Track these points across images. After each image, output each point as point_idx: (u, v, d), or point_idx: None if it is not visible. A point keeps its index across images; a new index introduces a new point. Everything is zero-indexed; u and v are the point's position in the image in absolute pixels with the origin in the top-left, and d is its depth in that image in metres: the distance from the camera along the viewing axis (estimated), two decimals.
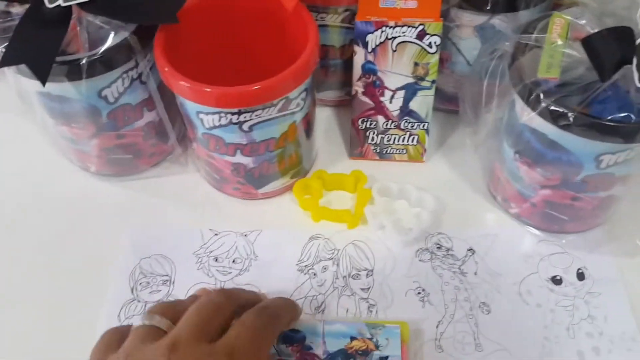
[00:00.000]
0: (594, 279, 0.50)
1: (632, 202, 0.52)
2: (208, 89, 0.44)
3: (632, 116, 0.40)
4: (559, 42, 0.43)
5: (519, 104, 0.44)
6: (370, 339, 0.44)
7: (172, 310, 0.37)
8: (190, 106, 0.48)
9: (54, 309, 0.49)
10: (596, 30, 0.40)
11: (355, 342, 0.44)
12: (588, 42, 0.39)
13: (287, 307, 0.42)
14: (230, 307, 0.38)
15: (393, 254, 0.52)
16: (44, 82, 0.43)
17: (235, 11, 0.52)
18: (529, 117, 0.43)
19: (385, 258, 0.52)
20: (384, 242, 0.53)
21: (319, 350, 0.44)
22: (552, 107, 0.41)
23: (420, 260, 0.52)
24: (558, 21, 0.45)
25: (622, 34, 0.39)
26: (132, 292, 0.49)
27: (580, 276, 0.50)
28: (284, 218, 0.55)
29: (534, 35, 0.45)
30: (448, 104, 0.61)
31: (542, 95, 0.41)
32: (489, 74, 0.48)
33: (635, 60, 0.40)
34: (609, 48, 0.39)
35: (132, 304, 0.49)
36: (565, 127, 0.41)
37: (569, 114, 0.40)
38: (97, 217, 0.56)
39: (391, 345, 0.44)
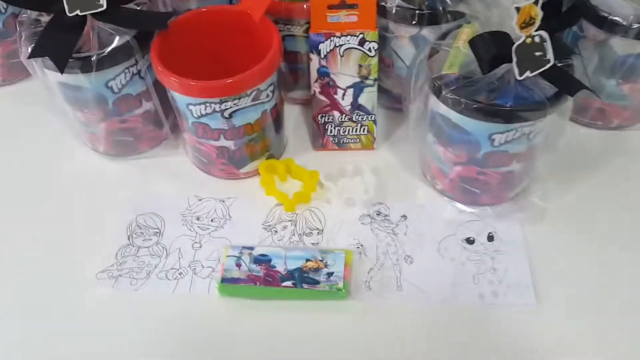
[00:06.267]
0: (502, 240, 0.61)
1: (534, 182, 0.63)
2: (193, 83, 0.57)
3: (509, 102, 0.52)
4: (462, 46, 0.55)
5: (429, 95, 0.56)
6: (321, 261, 0.57)
7: None
8: (180, 99, 0.60)
9: (64, 249, 0.62)
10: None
11: (309, 263, 0.58)
12: (472, 43, 0.51)
13: None
14: None
15: (341, 218, 0.64)
16: (62, 71, 0.56)
17: (216, 22, 0.65)
18: (437, 104, 0.55)
19: (334, 221, 0.64)
20: (335, 210, 0.65)
21: (281, 268, 0.57)
22: (450, 96, 0.53)
23: (362, 224, 0.63)
24: (466, 30, 0.58)
25: (499, 36, 0.51)
26: (129, 239, 0.62)
27: (490, 238, 0.61)
28: (257, 190, 0.67)
29: (445, 41, 0.57)
30: (396, 102, 0.72)
31: (443, 87, 0.54)
32: (414, 73, 0.60)
33: (514, 59, 0.52)
34: (487, 47, 0.50)
35: (127, 248, 0.62)
36: (461, 111, 0.53)
37: (462, 100, 0.52)
38: (104, 187, 0.68)
39: (337, 264, 0.57)
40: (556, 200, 0.64)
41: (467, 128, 0.55)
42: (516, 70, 0.52)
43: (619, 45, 0.62)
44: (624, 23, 0.59)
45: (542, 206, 0.64)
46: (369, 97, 0.67)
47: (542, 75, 0.52)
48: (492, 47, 0.50)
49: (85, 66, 0.59)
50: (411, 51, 0.67)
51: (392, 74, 0.71)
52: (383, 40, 0.67)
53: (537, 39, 0.52)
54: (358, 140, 0.71)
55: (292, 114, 0.76)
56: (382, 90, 0.71)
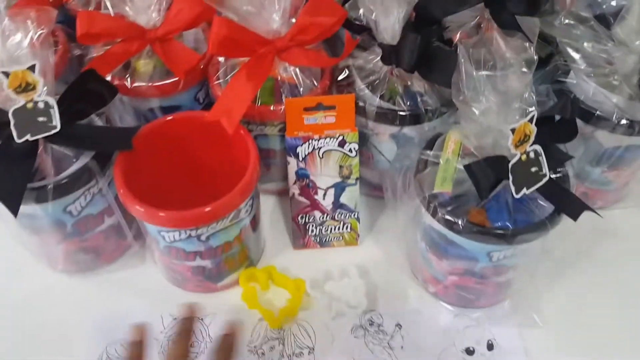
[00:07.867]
0: (501, 349, 0.58)
1: (529, 278, 0.61)
2: (162, 214, 0.51)
3: (509, 225, 0.49)
4: (452, 158, 0.52)
5: (422, 210, 0.53)
6: None
7: None
8: (151, 226, 0.54)
9: None
10: (476, 159, 0.49)
11: None
12: (469, 168, 0.48)
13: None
14: None
15: (331, 332, 0.59)
16: (15, 214, 0.49)
17: (185, 130, 0.60)
18: (431, 221, 0.52)
19: (324, 336, 0.59)
20: (325, 321, 0.60)
21: None
22: (447, 217, 0.50)
23: (355, 337, 0.59)
24: (453, 137, 0.55)
25: (496, 160, 0.48)
26: None
27: (490, 347, 0.58)
28: (238, 303, 0.61)
29: (432, 152, 0.54)
30: (376, 191, 0.69)
31: (438, 207, 0.50)
32: (402, 175, 0.56)
33: (511, 177, 0.49)
34: (485, 174, 0.48)
35: None
36: (458, 232, 0.50)
37: (460, 223, 0.49)
38: (66, 311, 0.61)
39: None
40: (549, 295, 0.62)
41: (464, 245, 0.52)
42: (513, 189, 0.49)
43: (605, 138, 0.60)
44: (611, 119, 0.58)
45: (536, 306, 0.61)
46: (351, 196, 0.63)
47: (539, 191, 0.50)
48: (490, 174, 0.47)
49: (41, 196, 0.52)
50: (392, 147, 0.63)
51: (371, 165, 0.67)
52: (362, 136, 0.63)
53: (532, 155, 0.49)
54: (341, 237, 0.67)
55: (267, 207, 0.72)
56: (361, 180, 0.67)
